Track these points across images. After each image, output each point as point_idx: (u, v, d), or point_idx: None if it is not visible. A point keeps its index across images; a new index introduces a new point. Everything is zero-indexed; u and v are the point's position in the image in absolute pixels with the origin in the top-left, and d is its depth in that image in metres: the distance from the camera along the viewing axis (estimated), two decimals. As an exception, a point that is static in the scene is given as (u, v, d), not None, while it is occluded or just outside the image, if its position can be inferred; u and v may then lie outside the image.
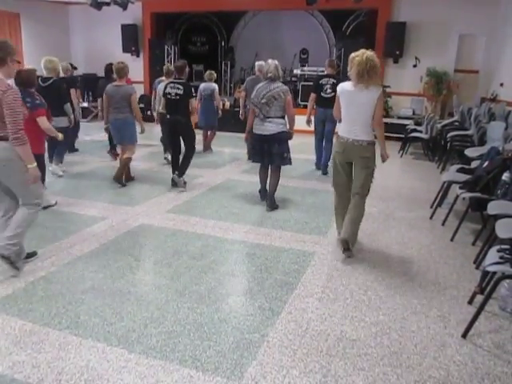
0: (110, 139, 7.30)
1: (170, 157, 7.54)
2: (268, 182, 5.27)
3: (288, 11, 12.76)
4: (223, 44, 13.92)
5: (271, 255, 3.89)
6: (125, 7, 10.98)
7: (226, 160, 7.97)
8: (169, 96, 5.62)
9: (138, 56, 12.82)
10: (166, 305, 3.04)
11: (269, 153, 5.02)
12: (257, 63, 7.71)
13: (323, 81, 6.76)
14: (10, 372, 2.34)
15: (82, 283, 3.31)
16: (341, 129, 3.98)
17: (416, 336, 2.77)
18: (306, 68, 12.03)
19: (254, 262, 3.75)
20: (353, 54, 3.75)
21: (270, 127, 4.90)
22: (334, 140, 4.10)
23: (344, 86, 3.86)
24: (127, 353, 2.52)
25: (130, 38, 12.67)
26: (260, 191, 5.49)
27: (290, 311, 3.00)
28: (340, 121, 4.04)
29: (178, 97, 5.57)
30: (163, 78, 7.36)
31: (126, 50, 12.76)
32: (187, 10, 12.88)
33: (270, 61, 4.99)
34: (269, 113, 4.87)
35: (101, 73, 12.49)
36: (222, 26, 13.89)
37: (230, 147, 9.05)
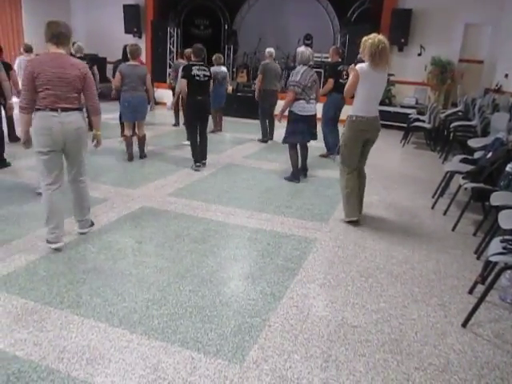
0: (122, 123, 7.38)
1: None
2: (301, 155, 5.81)
3: (293, -5, 12.59)
4: (226, 28, 13.74)
5: (273, 241, 3.89)
6: (127, -13, 10.82)
7: (228, 145, 7.93)
8: (198, 78, 5.73)
9: (140, 37, 12.68)
10: (168, 287, 3.04)
11: (308, 131, 5.57)
12: (268, 49, 7.98)
13: (341, 67, 6.88)
14: (12, 349, 2.35)
15: (84, 263, 3.30)
16: (360, 108, 4.11)
17: (416, 324, 2.79)
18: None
19: (255, 247, 3.75)
20: (365, 38, 3.96)
21: (313, 108, 5.53)
22: (350, 120, 4.16)
23: (364, 67, 3.98)
24: (129, 333, 2.52)
25: (132, 18, 12.51)
26: (297, 171, 5.74)
27: (292, 296, 3.01)
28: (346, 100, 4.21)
29: (206, 78, 5.83)
30: (181, 60, 8.18)
31: (128, 31, 12.61)
32: (190, -9, 12.70)
33: (304, 48, 5.55)
34: (310, 95, 5.45)
35: (102, 53, 12.43)
36: (225, 9, 13.69)
37: (232, 132, 9.00)
